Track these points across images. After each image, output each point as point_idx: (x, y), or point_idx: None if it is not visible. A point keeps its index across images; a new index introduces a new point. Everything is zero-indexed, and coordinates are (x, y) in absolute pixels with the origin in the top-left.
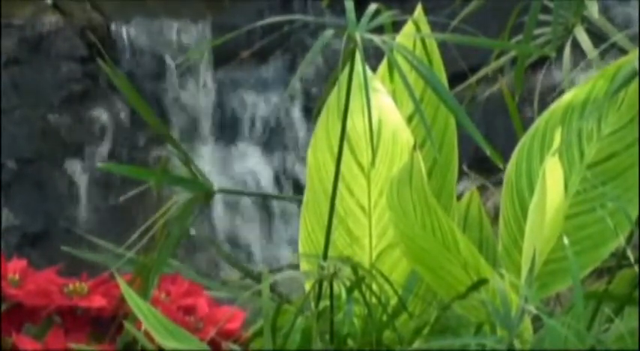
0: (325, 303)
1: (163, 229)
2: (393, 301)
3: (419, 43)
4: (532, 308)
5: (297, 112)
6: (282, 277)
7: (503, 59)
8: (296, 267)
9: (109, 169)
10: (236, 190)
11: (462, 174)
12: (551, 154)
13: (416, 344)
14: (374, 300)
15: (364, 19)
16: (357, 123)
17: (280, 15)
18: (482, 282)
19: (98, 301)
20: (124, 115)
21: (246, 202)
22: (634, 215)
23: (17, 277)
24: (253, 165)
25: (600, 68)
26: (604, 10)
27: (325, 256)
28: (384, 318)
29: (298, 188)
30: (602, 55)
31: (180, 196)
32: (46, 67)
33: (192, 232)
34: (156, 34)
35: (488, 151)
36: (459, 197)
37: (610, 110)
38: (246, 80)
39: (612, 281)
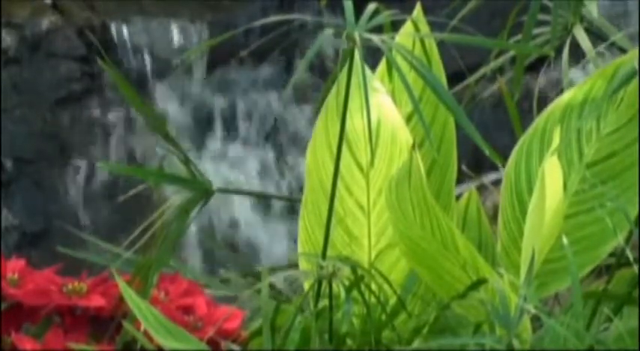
0: (324, 302)
1: (162, 229)
2: (392, 300)
3: (418, 43)
4: (531, 308)
5: (296, 112)
6: (281, 276)
7: (502, 59)
8: (295, 266)
9: (108, 169)
10: (235, 190)
11: (460, 174)
12: (550, 153)
13: (415, 344)
14: (373, 299)
15: (363, 19)
16: (356, 122)
17: (279, 15)
18: (481, 282)
19: (97, 301)
20: (122, 114)
21: None
22: (633, 215)
23: (16, 276)
24: (251, 164)
25: (599, 67)
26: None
27: (324, 256)
28: (383, 317)
29: (297, 188)
30: (601, 54)
31: (180, 196)
32: (45, 66)
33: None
34: (155, 34)
35: (487, 151)
36: (458, 197)
37: (609, 110)
38: (244, 80)
39: (611, 281)
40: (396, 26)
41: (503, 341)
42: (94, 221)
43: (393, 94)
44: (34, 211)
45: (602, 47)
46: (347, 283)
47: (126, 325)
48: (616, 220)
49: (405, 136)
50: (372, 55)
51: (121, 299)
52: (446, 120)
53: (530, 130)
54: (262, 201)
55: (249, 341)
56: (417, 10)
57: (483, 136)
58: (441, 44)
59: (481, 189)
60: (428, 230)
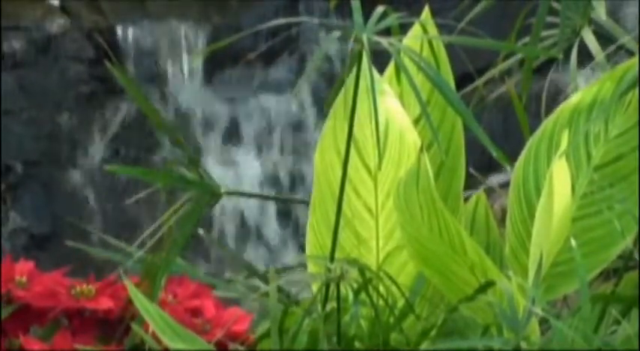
0: (332, 305)
1: (170, 231)
2: (400, 303)
3: (426, 45)
4: (539, 310)
5: (304, 114)
6: (289, 278)
7: (510, 61)
8: (303, 269)
9: (116, 171)
10: (243, 192)
11: (468, 177)
12: (558, 156)
13: (423, 346)
14: (381, 302)
15: (371, 21)
16: (364, 125)
17: (287, 17)
18: (489, 284)
19: (105, 303)
20: (130, 116)
21: None
22: None
23: (24, 278)
24: (259, 167)
25: (607, 70)
26: (612, 12)
27: (332, 258)
28: (391, 320)
29: (306, 190)
30: (610, 57)
31: (188, 198)
32: (53, 69)
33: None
34: (163, 36)
35: (495, 153)
36: (466, 199)
37: (617, 112)
38: (253, 82)
39: (619, 283)
40: (404, 29)
41: (511, 344)
42: (102, 223)
43: (401, 97)
44: (42, 214)
45: (610, 50)
46: (355, 285)
47: (134, 327)
48: (624, 223)
49: (413, 139)
50: (380, 58)
51: (129, 301)
52: (454, 123)
53: (538, 133)
54: None
55: (258, 344)
56: (425, 13)
57: (491, 138)
58: (448, 47)
59: (489, 191)
60: (436, 233)
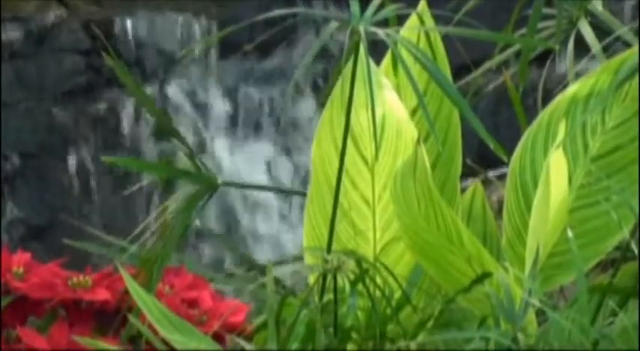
0: (329, 296)
1: (168, 223)
2: (397, 294)
3: (423, 37)
4: (536, 302)
5: (301, 106)
6: (286, 270)
7: (507, 52)
8: (300, 260)
9: (113, 163)
10: (240, 183)
11: (465, 169)
12: (555, 147)
13: (420, 338)
14: (378, 293)
15: (368, 12)
16: (361, 116)
17: (284, 8)
18: (486, 275)
19: (102, 294)
20: (127, 108)
21: None
22: (638, 208)
23: (21, 270)
24: (257, 158)
25: (604, 61)
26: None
27: (329, 249)
28: (388, 311)
29: (303, 181)
30: (606, 48)
31: (185, 190)
32: (50, 60)
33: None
34: (160, 28)
35: (492, 145)
36: (463, 191)
37: (614, 103)
38: (250, 74)
39: (616, 274)
40: (401, 20)
41: (508, 335)
42: (99, 215)
43: (397, 89)
44: (39, 205)
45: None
46: (352, 276)
47: (131, 318)
48: (621, 214)
49: (410, 130)
50: (377, 49)
51: (126, 293)
52: (450, 114)
53: (535, 124)
54: None
55: (255, 335)
56: (422, 4)
57: (488, 130)
58: (445, 38)
59: (486, 183)
60: (433, 224)
